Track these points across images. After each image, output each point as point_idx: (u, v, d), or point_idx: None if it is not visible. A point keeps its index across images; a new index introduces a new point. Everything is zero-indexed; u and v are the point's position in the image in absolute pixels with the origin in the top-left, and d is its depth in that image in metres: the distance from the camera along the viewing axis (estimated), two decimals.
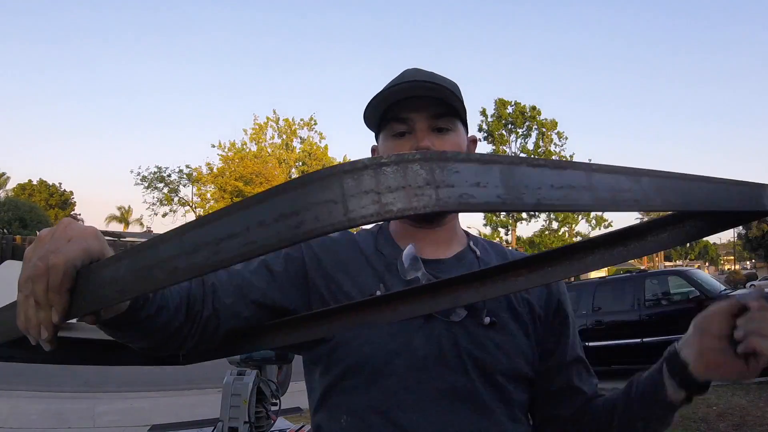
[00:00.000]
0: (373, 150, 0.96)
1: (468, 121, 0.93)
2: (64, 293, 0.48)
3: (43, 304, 0.49)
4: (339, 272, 0.86)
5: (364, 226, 1.03)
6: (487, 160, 0.31)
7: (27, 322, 0.51)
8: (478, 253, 0.91)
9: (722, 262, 66.47)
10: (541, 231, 31.06)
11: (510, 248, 1.01)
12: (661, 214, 0.52)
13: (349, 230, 1.01)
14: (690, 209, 0.41)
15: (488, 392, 0.80)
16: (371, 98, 0.89)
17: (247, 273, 0.82)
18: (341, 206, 0.28)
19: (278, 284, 0.83)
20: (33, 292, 0.50)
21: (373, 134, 0.96)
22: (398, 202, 0.28)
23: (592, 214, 30.94)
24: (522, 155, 30.84)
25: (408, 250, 0.85)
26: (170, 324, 0.69)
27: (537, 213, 31.31)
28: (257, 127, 32.10)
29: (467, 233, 0.97)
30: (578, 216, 30.55)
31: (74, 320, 0.53)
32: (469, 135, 0.94)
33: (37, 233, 0.56)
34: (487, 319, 0.82)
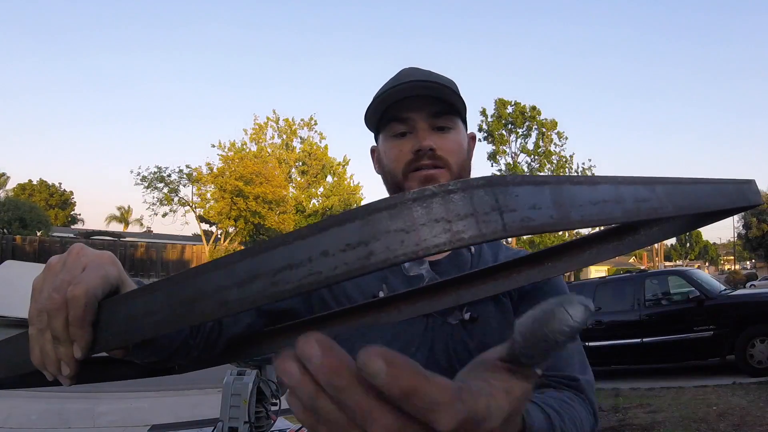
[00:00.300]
0: (373, 151, 0.96)
1: (467, 118, 0.93)
2: (87, 327, 0.44)
3: (63, 340, 0.45)
4: None
5: None
6: (538, 182, 0.31)
7: (44, 358, 0.47)
8: (473, 249, 0.90)
9: (722, 262, 66.41)
10: None
11: (508, 246, 0.99)
12: None
13: None
14: (694, 212, 0.42)
15: None
16: (371, 100, 0.89)
17: None
18: (414, 235, 0.28)
19: None
20: (50, 327, 0.46)
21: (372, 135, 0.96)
22: (468, 229, 0.28)
23: None
24: (523, 162, 30.46)
25: None
26: (177, 337, 0.69)
27: None
28: (257, 127, 32.12)
29: None
30: None
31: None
32: (468, 132, 0.93)
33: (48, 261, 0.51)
34: (467, 315, 0.80)
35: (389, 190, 0.91)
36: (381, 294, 0.81)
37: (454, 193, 0.29)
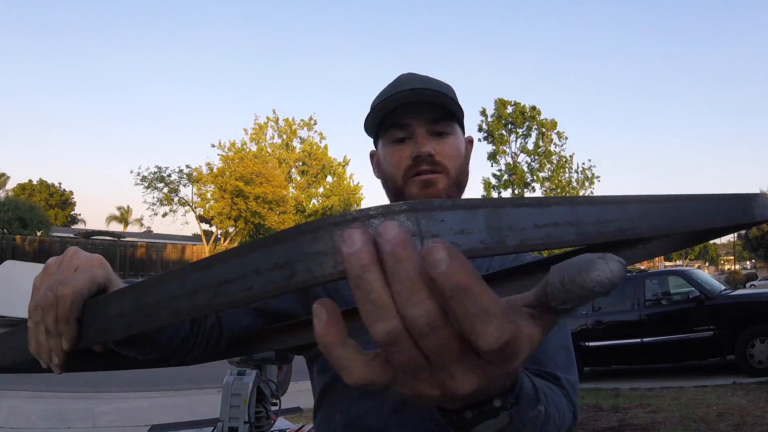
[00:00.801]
0: (372, 155, 0.98)
1: (464, 122, 0.94)
2: (72, 323, 0.49)
3: (54, 333, 0.51)
4: None
5: None
6: (472, 206, 0.31)
7: (38, 348, 0.53)
8: None
9: (722, 262, 66.45)
10: None
11: None
12: None
13: None
14: (677, 231, 0.41)
15: None
16: (371, 107, 0.91)
17: None
18: (331, 258, 0.29)
19: None
20: (43, 321, 0.52)
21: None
22: None
23: None
24: (523, 162, 30.29)
25: None
26: (176, 337, 0.72)
27: None
28: (257, 127, 32.14)
29: None
30: None
31: None
32: (465, 136, 0.95)
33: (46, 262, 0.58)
34: None
35: (389, 194, 0.93)
36: None
37: (374, 218, 0.29)
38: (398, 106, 0.86)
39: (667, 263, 44.92)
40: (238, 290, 0.32)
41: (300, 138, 32.86)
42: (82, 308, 0.50)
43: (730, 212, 0.47)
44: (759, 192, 0.50)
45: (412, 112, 0.87)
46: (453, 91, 0.92)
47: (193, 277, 0.35)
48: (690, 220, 0.42)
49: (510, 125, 30.47)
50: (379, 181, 0.97)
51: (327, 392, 0.84)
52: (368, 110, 0.93)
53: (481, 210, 0.31)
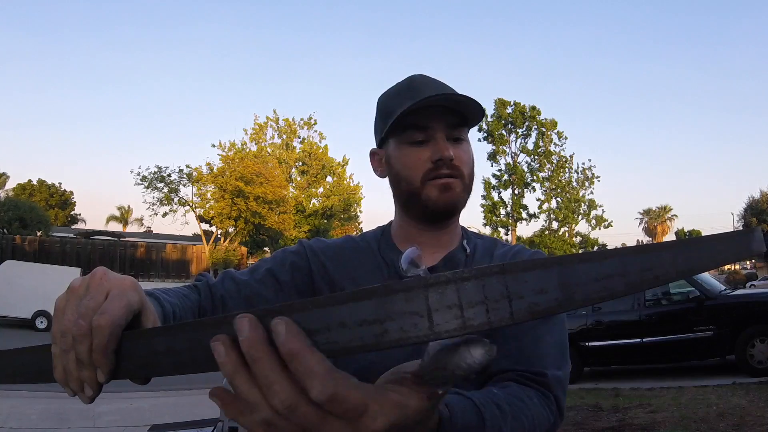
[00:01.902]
0: (373, 154, 0.97)
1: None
2: (110, 355, 0.45)
3: (87, 364, 0.47)
4: (345, 279, 0.89)
5: (367, 230, 1.03)
6: (547, 265, 0.32)
7: (67, 376, 0.48)
8: (468, 250, 0.92)
9: None
10: (541, 231, 31.08)
11: (504, 243, 1.00)
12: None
13: (352, 234, 1.02)
14: (696, 273, 0.43)
15: None
16: (385, 106, 0.91)
17: (255, 283, 0.86)
18: (426, 320, 0.30)
19: (285, 294, 0.86)
20: (75, 350, 0.47)
21: (372, 138, 0.97)
22: (478, 317, 0.30)
23: (592, 213, 31.09)
24: (523, 162, 30.27)
25: (409, 252, 0.85)
26: None
27: (537, 213, 31.56)
28: (257, 127, 32.14)
29: (464, 230, 0.98)
30: (578, 216, 30.63)
31: None
32: None
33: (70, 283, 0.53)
34: None
35: (400, 195, 0.92)
36: None
37: (467, 280, 0.31)
38: (422, 108, 0.86)
39: None
40: (321, 342, 0.32)
41: (300, 138, 32.87)
42: (120, 339, 0.46)
43: (737, 248, 0.50)
44: (756, 227, 0.53)
45: (434, 116, 0.87)
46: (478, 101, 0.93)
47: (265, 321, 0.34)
48: (707, 262, 0.44)
49: (510, 125, 30.52)
50: (379, 180, 0.96)
51: None
52: (372, 109, 0.93)
53: (554, 268, 0.32)
